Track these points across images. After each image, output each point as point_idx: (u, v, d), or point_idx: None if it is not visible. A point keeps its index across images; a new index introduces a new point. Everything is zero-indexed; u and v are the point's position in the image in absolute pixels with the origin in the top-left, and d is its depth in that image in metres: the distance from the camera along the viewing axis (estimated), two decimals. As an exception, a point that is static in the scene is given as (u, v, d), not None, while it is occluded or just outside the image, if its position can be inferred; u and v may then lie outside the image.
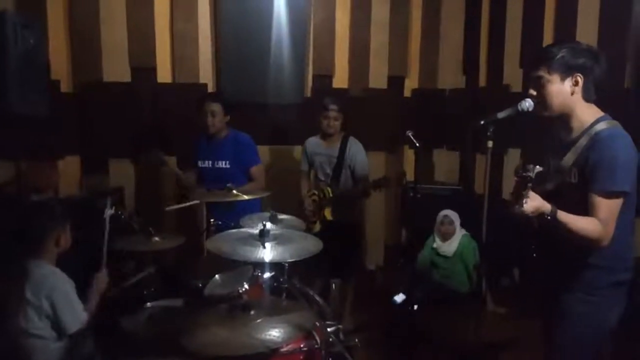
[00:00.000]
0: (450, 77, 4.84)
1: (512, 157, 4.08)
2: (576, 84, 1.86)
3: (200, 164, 3.49)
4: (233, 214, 2.89)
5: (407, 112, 4.65)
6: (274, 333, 1.67)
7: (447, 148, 4.96)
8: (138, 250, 2.75)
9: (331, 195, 3.49)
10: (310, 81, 4.44)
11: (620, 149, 1.78)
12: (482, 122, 1.96)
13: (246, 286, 2.03)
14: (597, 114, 1.89)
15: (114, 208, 3.25)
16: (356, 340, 2.12)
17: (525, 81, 3.81)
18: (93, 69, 3.91)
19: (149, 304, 2.43)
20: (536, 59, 1.92)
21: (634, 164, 1.81)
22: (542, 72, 1.88)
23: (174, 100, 4.04)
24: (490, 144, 1.98)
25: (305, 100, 4.34)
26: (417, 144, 2.97)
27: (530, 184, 1.65)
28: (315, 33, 4.41)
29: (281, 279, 2.38)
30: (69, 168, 3.93)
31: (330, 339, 1.95)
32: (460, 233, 3.66)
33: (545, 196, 1.78)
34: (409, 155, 4.62)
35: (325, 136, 3.57)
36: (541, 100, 1.90)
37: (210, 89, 4.15)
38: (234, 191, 2.84)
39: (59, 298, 2.04)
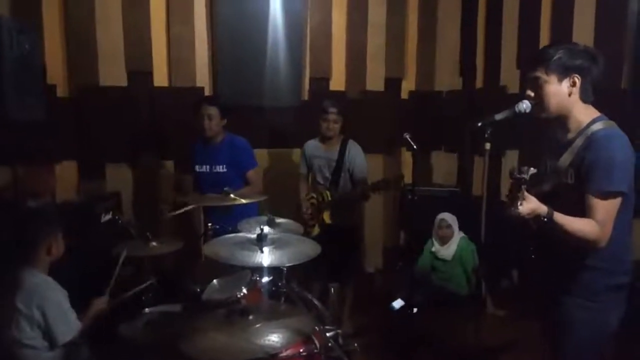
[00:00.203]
0: (447, 79, 4.84)
1: (510, 159, 4.09)
2: (574, 84, 1.86)
3: (197, 168, 3.48)
4: (231, 218, 2.88)
5: (405, 114, 4.65)
6: (273, 338, 1.67)
7: (445, 150, 4.97)
8: (136, 255, 2.74)
9: (330, 198, 3.48)
10: (307, 84, 4.44)
11: (616, 149, 1.78)
12: (479, 124, 1.96)
13: (244, 291, 2.03)
14: (594, 115, 1.88)
15: (111, 213, 3.25)
16: (355, 344, 2.12)
17: (522, 82, 3.82)
18: (89, 73, 3.90)
19: (147, 310, 2.41)
20: (533, 60, 1.91)
21: (631, 164, 1.80)
22: (540, 74, 1.87)
23: (171, 104, 4.03)
24: (487, 145, 1.97)
25: (302, 103, 4.34)
26: (415, 146, 2.97)
27: (524, 186, 1.65)
28: (312, 35, 4.41)
29: (280, 284, 2.37)
30: (66, 173, 3.91)
31: (330, 344, 1.94)
32: (458, 236, 3.65)
33: (542, 197, 1.77)
34: (407, 157, 4.63)
35: (325, 139, 3.57)
36: (539, 102, 1.89)
37: (207, 92, 4.14)
38: (232, 195, 2.83)
39: (50, 308, 2.01)
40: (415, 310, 3.12)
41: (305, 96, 4.42)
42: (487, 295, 3.78)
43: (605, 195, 1.76)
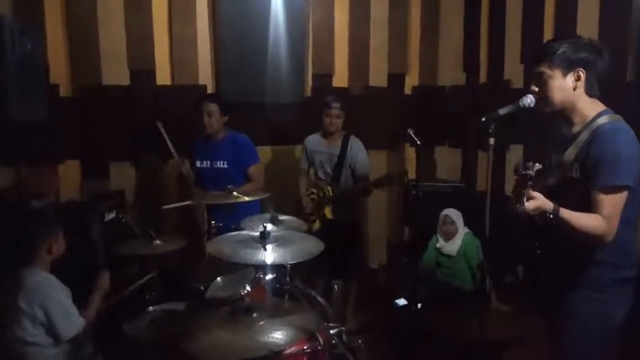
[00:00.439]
0: (450, 74, 4.81)
1: (514, 154, 4.06)
2: (578, 78, 1.84)
3: (198, 164, 3.49)
4: (233, 216, 2.87)
5: (408, 109, 4.63)
6: (277, 335, 1.67)
7: (449, 145, 4.94)
8: (140, 253, 2.74)
9: (331, 194, 3.47)
10: (310, 80, 4.42)
11: (622, 143, 1.76)
12: (483, 119, 1.95)
13: (248, 288, 2.03)
14: (599, 108, 1.87)
15: (114, 212, 3.25)
16: (359, 341, 2.12)
17: (526, 77, 3.80)
18: (92, 72, 3.89)
19: (150, 308, 2.42)
20: (537, 55, 1.90)
21: (637, 158, 1.78)
22: (544, 68, 1.86)
23: (174, 102, 4.03)
24: (492, 140, 1.96)
25: (305, 100, 4.32)
26: (418, 142, 2.95)
27: (530, 183, 1.63)
28: (314, 32, 4.39)
29: (283, 281, 2.36)
30: (69, 172, 3.91)
31: (334, 341, 1.94)
32: (462, 231, 3.64)
33: (547, 191, 1.76)
34: (410, 153, 4.61)
35: (327, 134, 3.56)
36: (543, 96, 1.88)
37: (209, 90, 4.14)
38: (235, 193, 2.82)
39: (52, 305, 2.03)
40: (419, 305, 3.12)
41: (308, 93, 4.41)
42: (492, 290, 3.77)
43: (612, 190, 1.75)
